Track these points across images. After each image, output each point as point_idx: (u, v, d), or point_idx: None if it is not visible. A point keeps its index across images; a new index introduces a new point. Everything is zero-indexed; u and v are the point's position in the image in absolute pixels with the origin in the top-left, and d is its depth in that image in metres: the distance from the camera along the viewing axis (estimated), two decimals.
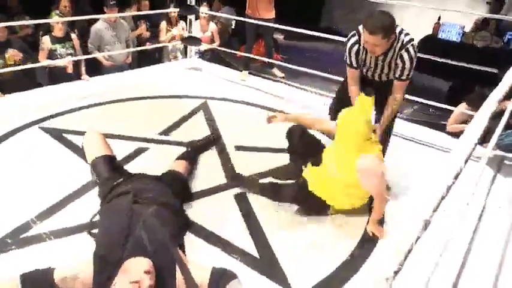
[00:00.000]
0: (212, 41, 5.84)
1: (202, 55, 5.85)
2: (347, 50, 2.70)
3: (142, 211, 2.04)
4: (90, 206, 2.43)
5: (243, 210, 2.58)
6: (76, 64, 4.58)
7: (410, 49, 2.52)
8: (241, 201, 2.67)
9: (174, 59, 5.79)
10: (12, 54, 4.16)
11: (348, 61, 2.73)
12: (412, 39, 2.54)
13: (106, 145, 2.67)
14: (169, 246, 1.94)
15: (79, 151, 3.02)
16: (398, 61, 2.55)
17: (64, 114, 3.71)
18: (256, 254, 2.23)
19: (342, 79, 4.21)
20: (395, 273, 0.87)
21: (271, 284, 2.05)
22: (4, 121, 3.47)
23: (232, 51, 5.62)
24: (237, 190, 2.77)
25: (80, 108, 3.85)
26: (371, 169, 2.28)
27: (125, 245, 1.89)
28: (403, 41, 2.52)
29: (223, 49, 5.68)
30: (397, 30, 2.50)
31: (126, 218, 1.99)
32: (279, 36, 9.13)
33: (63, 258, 2.01)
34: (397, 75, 2.61)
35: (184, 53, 5.73)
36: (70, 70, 4.51)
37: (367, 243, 2.38)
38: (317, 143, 2.78)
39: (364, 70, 2.76)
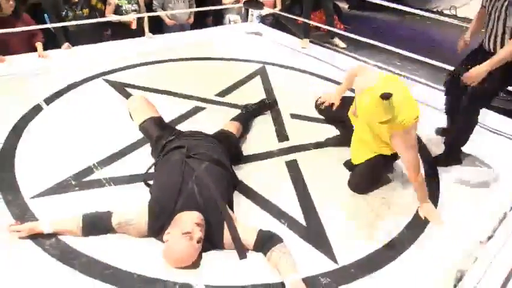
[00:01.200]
0: (274, 5, 5.72)
1: (263, 19, 5.76)
2: None
3: (195, 166, 2.09)
4: (146, 157, 2.53)
5: (294, 177, 2.57)
6: (140, 21, 4.67)
7: None
8: (293, 168, 2.66)
9: (231, 22, 5.74)
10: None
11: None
12: None
13: (151, 107, 2.73)
14: (219, 202, 1.98)
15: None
16: None
17: (127, 69, 3.83)
18: (303, 222, 2.23)
19: (407, 53, 4.04)
20: (489, 238, 0.83)
21: (316, 253, 2.05)
22: (72, 71, 3.65)
23: (294, 17, 5.49)
24: (289, 157, 2.76)
25: (142, 64, 3.96)
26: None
27: (178, 197, 1.96)
28: None
29: (284, 14, 5.55)
30: None
31: (180, 172, 2.05)
32: (344, 5, 8.79)
33: (120, 204, 2.11)
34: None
35: (246, 17, 5.67)
36: (134, 26, 4.61)
37: (418, 223, 2.31)
38: (342, 107, 2.74)
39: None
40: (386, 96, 2.07)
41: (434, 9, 8.80)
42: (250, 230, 1.99)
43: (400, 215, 2.36)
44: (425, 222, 2.32)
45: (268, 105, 3.35)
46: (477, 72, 2.51)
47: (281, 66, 4.26)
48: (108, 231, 1.97)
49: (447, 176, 2.72)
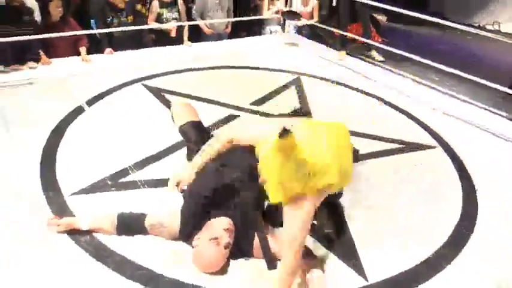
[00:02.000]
0: (311, 17, 5.73)
1: (300, 30, 5.77)
2: None
3: (229, 174, 2.11)
4: (181, 161, 2.57)
5: None
6: (180, 29, 4.79)
7: None
8: None
9: (272, 33, 5.79)
10: None
11: None
12: None
13: (193, 112, 2.78)
14: (251, 211, 1.99)
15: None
16: None
17: (165, 75, 3.93)
18: (332, 233, 2.20)
19: (446, 68, 3.94)
20: None
21: (345, 268, 2.01)
22: (113, 75, 3.78)
23: (331, 29, 5.48)
24: None
25: (180, 71, 4.05)
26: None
27: (210, 203, 1.98)
28: None
29: (321, 26, 5.55)
30: None
31: (213, 179, 2.08)
32: (382, 18, 8.69)
33: (153, 207, 2.16)
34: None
35: (283, 28, 5.70)
36: (174, 34, 4.73)
37: (455, 242, 2.24)
38: None
39: None
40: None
41: (476, 24, 8.57)
42: (281, 241, 1.98)
43: (437, 233, 2.29)
44: (464, 241, 2.24)
45: (302, 115, 3.34)
46: None
47: (316, 77, 4.25)
48: (141, 232, 2.02)
49: (485, 194, 2.63)
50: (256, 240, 1.97)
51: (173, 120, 2.59)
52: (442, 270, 2.05)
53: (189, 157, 2.50)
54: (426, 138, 3.30)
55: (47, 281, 1.78)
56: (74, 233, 2.00)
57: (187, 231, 1.98)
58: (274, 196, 1.64)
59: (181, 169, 1.85)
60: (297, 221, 1.67)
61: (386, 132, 3.24)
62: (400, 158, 3.01)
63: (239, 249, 1.96)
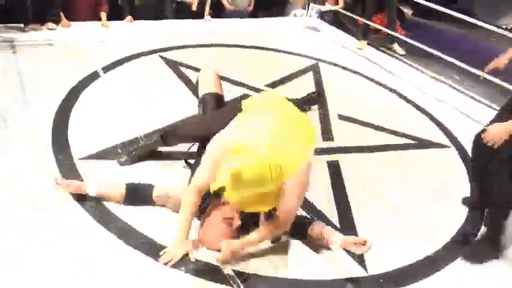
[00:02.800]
0: (337, 2, 5.62)
1: (322, 15, 5.67)
2: None
3: None
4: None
5: (333, 178, 2.54)
6: (201, 2, 4.73)
7: None
8: (333, 169, 2.63)
9: (295, 16, 5.70)
10: None
11: None
12: None
13: (218, 84, 2.76)
14: None
15: (189, 84, 3.19)
16: None
17: (183, 49, 3.90)
18: (337, 224, 2.20)
19: (467, 67, 3.85)
20: None
21: (346, 257, 2.02)
22: (131, 44, 3.76)
23: (355, 17, 5.37)
24: (331, 157, 2.73)
25: (198, 46, 4.02)
26: None
27: None
28: None
29: (345, 13, 5.45)
30: None
31: None
32: (408, 11, 8.50)
33: (160, 179, 2.16)
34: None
35: (306, 11, 5.61)
36: (195, 7, 4.68)
37: (459, 243, 2.23)
38: None
39: None
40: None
41: (504, 26, 8.35)
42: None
43: (441, 233, 2.27)
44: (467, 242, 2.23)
45: (315, 97, 3.28)
46: (497, 130, 1.95)
47: (335, 65, 4.19)
48: (148, 202, 2.03)
49: None
50: (262, 218, 1.97)
51: (197, 86, 2.57)
52: (441, 270, 2.05)
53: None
54: (440, 137, 3.26)
55: (50, 238, 1.80)
56: (80, 197, 2.02)
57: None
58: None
59: (173, 246, 1.81)
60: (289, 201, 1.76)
61: (400, 126, 3.21)
62: (411, 154, 2.98)
63: (246, 228, 1.94)
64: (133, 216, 1.99)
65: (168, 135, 2.35)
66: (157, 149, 2.42)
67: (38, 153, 2.28)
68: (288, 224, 1.87)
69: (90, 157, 2.32)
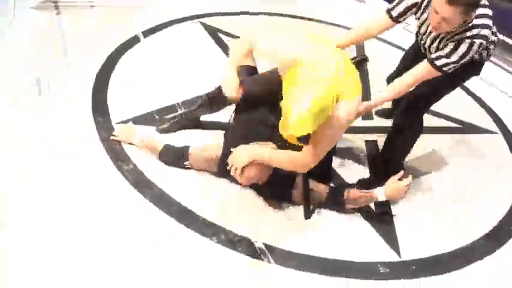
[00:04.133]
0: None
1: None
2: None
3: (274, 117, 2.04)
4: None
5: (371, 157, 2.47)
6: None
7: (474, 45, 1.79)
8: (372, 148, 2.55)
9: None
10: None
11: (390, 6, 2.05)
12: (484, 37, 1.79)
13: (251, 55, 2.69)
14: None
15: (228, 52, 3.13)
16: (451, 44, 1.83)
17: (224, 16, 3.82)
18: (372, 205, 2.14)
19: None
20: None
21: (380, 241, 1.98)
22: (172, 9, 3.71)
23: None
24: (369, 136, 2.65)
25: (239, 13, 3.92)
26: None
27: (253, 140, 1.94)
28: (474, 32, 1.79)
29: None
30: (479, 13, 1.79)
31: (257, 121, 2.03)
32: None
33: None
34: (433, 56, 1.89)
35: None
36: None
37: (499, 235, 2.13)
38: None
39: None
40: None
41: None
42: (322, 185, 2.03)
43: (479, 224, 2.19)
44: (507, 237, 2.13)
45: (363, 60, 3.14)
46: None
47: (379, 39, 4.00)
48: (183, 160, 2.06)
49: None
50: (299, 182, 1.97)
51: (230, 57, 2.52)
52: (476, 261, 1.98)
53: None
54: (488, 122, 3.10)
55: (87, 205, 1.85)
56: (118, 161, 2.07)
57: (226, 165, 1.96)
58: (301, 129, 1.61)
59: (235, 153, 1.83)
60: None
61: (446, 109, 3.05)
62: (456, 138, 2.86)
63: (281, 190, 1.96)
64: (169, 183, 2.01)
65: (215, 95, 2.26)
66: (199, 118, 2.38)
67: (77, 115, 2.31)
68: (323, 152, 1.78)
69: (127, 121, 2.33)
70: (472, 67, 2.01)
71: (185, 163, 2.08)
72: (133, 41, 3.12)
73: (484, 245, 2.08)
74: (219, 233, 1.83)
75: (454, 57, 1.82)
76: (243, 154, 1.80)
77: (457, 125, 2.99)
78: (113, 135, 2.20)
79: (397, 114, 2.27)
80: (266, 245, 1.82)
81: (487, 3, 1.84)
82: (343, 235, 1.96)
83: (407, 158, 2.38)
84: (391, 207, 2.16)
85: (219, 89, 2.20)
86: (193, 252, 1.74)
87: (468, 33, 1.79)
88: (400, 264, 1.88)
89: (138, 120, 2.36)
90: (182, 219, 1.86)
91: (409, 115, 2.19)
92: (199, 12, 3.73)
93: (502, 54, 4.15)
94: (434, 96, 2.16)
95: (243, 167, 1.80)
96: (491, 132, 3.00)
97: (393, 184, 1.92)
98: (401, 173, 1.93)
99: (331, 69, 1.69)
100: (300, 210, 2.01)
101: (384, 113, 2.82)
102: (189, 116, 2.35)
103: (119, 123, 2.31)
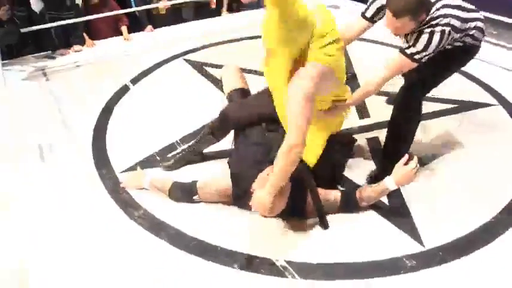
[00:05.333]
0: None
1: None
2: None
3: (276, 137, 2.07)
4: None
5: (375, 154, 2.47)
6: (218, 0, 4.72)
7: (435, 34, 1.87)
8: (374, 145, 2.55)
9: None
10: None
11: (364, 10, 2.15)
12: (446, 25, 1.86)
13: (242, 79, 2.74)
14: (302, 168, 1.94)
15: (217, 83, 3.19)
16: (415, 35, 1.93)
17: (206, 48, 3.91)
18: (385, 201, 2.13)
19: (507, 20, 3.61)
20: None
21: (400, 234, 1.95)
22: (154, 52, 3.81)
23: None
24: (370, 134, 2.66)
25: (220, 43, 4.02)
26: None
27: (260, 166, 1.96)
28: (434, 23, 1.88)
29: None
30: (437, 7, 1.89)
31: (260, 143, 2.07)
32: None
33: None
34: (403, 46, 1.99)
35: None
36: (213, 5, 4.68)
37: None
38: None
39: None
40: None
41: None
42: (334, 191, 2.03)
43: (496, 197, 2.16)
44: None
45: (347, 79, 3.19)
46: None
47: (360, 39, 4.05)
48: (191, 194, 2.07)
49: None
50: (309, 198, 1.97)
51: (222, 85, 2.57)
52: (500, 236, 1.95)
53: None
54: (485, 96, 3.10)
55: (106, 256, 1.86)
56: (128, 207, 2.08)
57: (241, 191, 1.98)
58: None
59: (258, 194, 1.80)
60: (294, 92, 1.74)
61: (440, 92, 3.06)
62: (457, 117, 2.86)
63: (293, 208, 1.95)
64: (182, 220, 2.02)
65: (216, 125, 2.29)
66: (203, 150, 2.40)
67: (81, 172, 2.35)
68: (299, 127, 1.72)
69: (131, 169, 2.36)
70: (464, 51, 2.06)
71: (194, 198, 2.09)
72: (123, 90, 3.20)
73: (506, 218, 2.04)
74: (240, 259, 1.83)
75: (420, 46, 1.90)
76: (263, 197, 1.77)
77: (454, 105, 2.99)
78: (122, 184, 2.22)
79: (395, 104, 2.28)
80: (288, 262, 1.80)
81: None
82: (362, 236, 1.94)
83: (412, 147, 2.38)
84: (404, 197, 2.14)
85: (219, 117, 2.24)
86: (220, 284, 1.73)
87: (427, 26, 1.89)
88: (426, 254, 1.85)
89: (141, 164, 2.38)
90: (202, 253, 1.86)
91: (405, 103, 2.21)
92: (181, 50, 3.83)
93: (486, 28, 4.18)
94: (429, 83, 2.19)
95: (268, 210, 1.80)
96: (491, 105, 3.00)
97: (400, 170, 1.91)
98: (406, 156, 1.93)
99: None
100: (315, 221, 2.00)
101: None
102: (193, 150, 2.37)
103: (123, 171, 2.34)
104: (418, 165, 1.92)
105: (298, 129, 1.71)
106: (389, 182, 1.93)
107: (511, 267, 1.79)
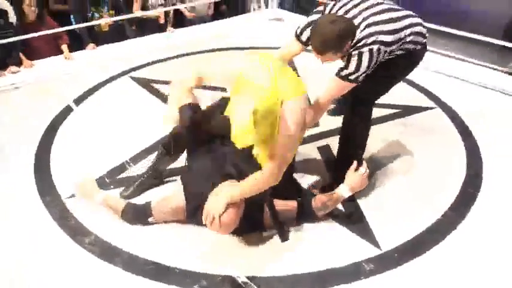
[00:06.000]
0: None
1: (282, 4, 5.64)
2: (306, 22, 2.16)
3: (228, 150, 2.04)
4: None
5: (327, 162, 2.51)
6: (166, 15, 4.66)
7: (363, 54, 1.90)
8: (325, 153, 2.61)
9: (254, 10, 5.66)
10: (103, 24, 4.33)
11: (298, 31, 2.20)
12: (373, 42, 1.90)
13: (191, 93, 2.71)
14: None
15: (165, 98, 3.13)
16: (345, 58, 1.99)
17: (152, 65, 3.83)
18: (340, 207, 2.16)
19: (437, 27, 3.86)
20: None
21: (357, 239, 1.99)
22: (98, 71, 3.68)
23: None
24: (320, 142, 2.70)
25: (166, 59, 3.95)
26: None
27: (214, 180, 1.91)
28: (360, 44, 1.91)
29: None
30: (361, 28, 1.92)
31: (215, 159, 2.02)
32: None
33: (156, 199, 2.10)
34: (337, 70, 2.01)
35: (266, 3, 5.57)
36: (162, 20, 4.62)
37: (463, 202, 2.22)
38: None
39: None
40: None
41: None
42: (290, 202, 2.03)
43: (443, 194, 2.26)
44: (472, 200, 2.22)
45: None
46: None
47: (306, 50, 4.15)
48: (147, 217, 2.00)
49: (491, 149, 2.61)
50: (267, 212, 1.96)
51: (171, 100, 2.51)
52: (454, 230, 2.04)
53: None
54: (423, 100, 3.26)
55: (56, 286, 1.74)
56: (76, 235, 1.97)
57: (193, 208, 1.94)
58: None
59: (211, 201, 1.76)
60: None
61: (383, 98, 3.18)
62: (402, 122, 2.98)
63: (251, 222, 1.93)
64: (136, 244, 1.93)
65: (170, 144, 2.20)
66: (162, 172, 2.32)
67: (23, 201, 2.20)
68: (286, 157, 1.77)
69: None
70: (407, 57, 2.09)
71: (149, 219, 2.02)
72: (66, 112, 3.05)
73: (454, 214, 2.14)
74: (200, 279, 1.77)
75: (352, 68, 1.95)
76: (218, 200, 1.73)
77: (398, 110, 3.12)
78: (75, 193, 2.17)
79: (345, 112, 2.32)
80: (250, 277, 1.77)
81: (374, 10, 1.96)
82: (322, 244, 1.96)
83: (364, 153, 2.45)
84: (358, 201, 2.19)
85: (173, 136, 2.18)
86: None
87: (355, 49, 1.93)
88: (383, 257, 1.89)
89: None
90: (160, 277, 1.79)
91: (356, 112, 2.26)
92: (126, 68, 3.72)
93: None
94: (376, 93, 2.25)
95: (220, 216, 1.72)
96: (430, 108, 3.16)
97: (352, 176, 1.96)
98: (355, 163, 1.98)
99: (265, 74, 1.73)
100: (274, 234, 1.99)
101: (335, 112, 2.86)
102: (152, 173, 2.28)
103: (69, 197, 2.21)
104: (367, 170, 1.97)
105: (285, 159, 1.77)
106: (343, 189, 1.97)
107: (461, 265, 1.87)
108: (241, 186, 1.77)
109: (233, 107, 1.69)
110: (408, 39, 2.02)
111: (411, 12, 2.08)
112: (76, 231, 2.00)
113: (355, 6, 1.99)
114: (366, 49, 1.91)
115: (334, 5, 2.05)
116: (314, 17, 2.10)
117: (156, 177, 2.29)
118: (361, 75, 1.96)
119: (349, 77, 1.97)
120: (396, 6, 2.06)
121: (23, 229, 2.02)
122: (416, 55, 2.13)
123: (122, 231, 2.01)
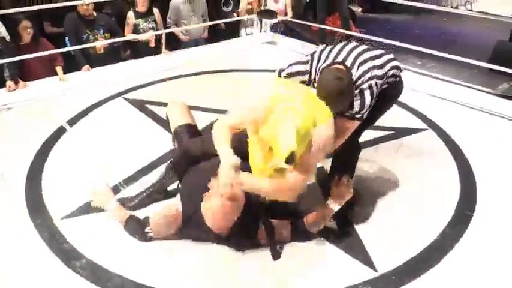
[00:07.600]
0: (285, 13, 5.70)
1: (275, 28, 5.74)
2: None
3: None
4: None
5: (322, 184, 2.51)
6: (157, 38, 4.71)
7: (365, 91, 1.98)
8: (320, 174, 2.60)
9: (248, 35, 5.75)
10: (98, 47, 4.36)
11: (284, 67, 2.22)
12: (370, 78, 1.98)
13: (188, 114, 2.72)
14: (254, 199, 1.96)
15: (160, 121, 3.13)
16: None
17: (146, 87, 3.85)
18: (333, 225, 2.15)
19: (426, 50, 3.95)
20: None
21: (352, 261, 1.97)
22: (92, 92, 3.68)
23: (308, 23, 5.46)
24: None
25: (161, 81, 3.98)
26: None
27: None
28: (359, 83, 1.99)
29: (297, 21, 5.53)
30: (355, 68, 2.00)
31: (214, 169, 2.00)
32: (357, 9, 8.73)
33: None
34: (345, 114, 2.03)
35: (260, 27, 5.66)
36: (153, 44, 4.66)
37: (460, 220, 2.23)
38: None
39: None
40: None
41: (449, 6, 8.66)
42: (284, 221, 2.04)
43: (439, 216, 2.27)
44: (468, 218, 2.23)
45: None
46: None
47: None
48: (145, 226, 2.02)
49: (484, 169, 2.64)
50: (262, 228, 1.98)
51: (168, 121, 2.53)
52: (448, 253, 2.03)
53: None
54: (415, 122, 3.30)
55: None
56: (69, 259, 1.93)
57: (191, 211, 1.97)
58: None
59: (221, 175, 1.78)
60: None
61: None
62: (394, 144, 3.00)
63: (245, 235, 1.95)
64: (127, 267, 1.90)
65: (178, 162, 2.28)
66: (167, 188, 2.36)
67: (14, 225, 2.16)
68: (310, 170, 1.86)
69: (71, 215, 2.21)
70: (391, 90, 2.16)
71: (146, 229, 2.02)
72: (59, 133, 3.03)
73: (452, 232, 2.15)
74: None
75: (357, 108, 2.00)
76: (231, 172, 1.77)
77: (391, 132, 3.14)
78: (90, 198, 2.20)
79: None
80: None
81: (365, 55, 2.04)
82: (316, 266, 1.94)
83: (356, 174, 2.46)
84: (353, 223, 2.19)
85: (181, 154, 2.25)
86: None
87: (355, 89, 2.00)
88: (381, 279, 1.88)
89: (83, 209, 2.24)
90: None
91: (348, 141, 2.21)
92: (120, 89, 3.73)
93: (409, 58, 4.52)
94: (366, 125, 2.27)
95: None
96: (422, 129, 3.19)
97: (335, 189, 2.00)
98: (336, 178, 2.03)
99: (300, 100, 1.79)
100: (267, 253, 1.97)
101: None
102: (158, 188, 2.33)
103: (62, 218, 2.18)
104: (349, 179, 2.02)
105: (310, 174, 1.87)
106: (330, 203, 1.99)
107: (465, 283, 1.86)
108: (264, 183, 1.82)
109: (274, 128, 1.71)
110: (390, 73, 2.11)
111: (384, 51, 2.19)
112: (69, 255, 1.96)
113: (341, 50, 2.07)
114: (365, 86, 1.99)
115: (320, 55, 2.10)
116: (300, 67, 2.14)
117: (160, 192, 2.34)
118: (366, 111, 2.03)
119: (356, 116, 2.03)
120: (371, 46, 2.16)
121: (12, 251, 1.98)
122: (397, 86, 2.22)
123: (115, 255, 1.97)
